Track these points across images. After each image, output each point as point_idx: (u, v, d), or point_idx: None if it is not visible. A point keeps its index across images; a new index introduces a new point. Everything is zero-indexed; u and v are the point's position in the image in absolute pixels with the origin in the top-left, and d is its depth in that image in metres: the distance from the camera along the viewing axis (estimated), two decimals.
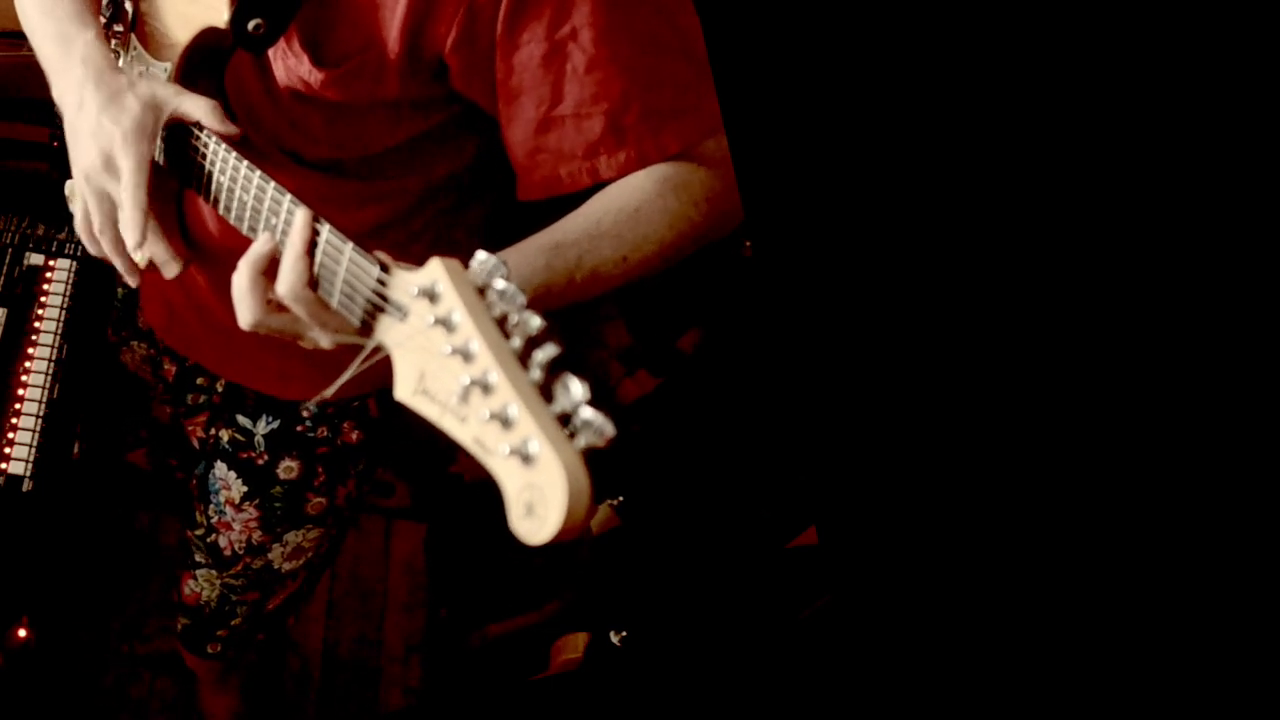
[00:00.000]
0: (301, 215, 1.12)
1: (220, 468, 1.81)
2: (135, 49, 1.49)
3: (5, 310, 1.92)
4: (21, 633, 1.97)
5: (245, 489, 1.80)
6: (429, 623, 2.81)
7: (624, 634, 2.40)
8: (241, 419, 1.76)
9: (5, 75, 2.09)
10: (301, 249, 1.11)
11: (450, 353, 0.90)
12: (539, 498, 0.84)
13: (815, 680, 2.20)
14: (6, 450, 1.78)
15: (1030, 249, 2.23)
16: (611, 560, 2.62)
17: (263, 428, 1.75)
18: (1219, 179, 2.00)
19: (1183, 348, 1.98)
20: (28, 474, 1.77)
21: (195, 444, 1.88)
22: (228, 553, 1.88)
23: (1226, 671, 1.81)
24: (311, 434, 1.74)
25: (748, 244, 2.77)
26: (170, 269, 1.36)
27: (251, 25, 1.31)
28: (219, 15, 1.34)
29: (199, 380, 1.82)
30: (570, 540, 0.85)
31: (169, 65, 1.41)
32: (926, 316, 2.39)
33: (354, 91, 1.38)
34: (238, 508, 1.82)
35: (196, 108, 1.31)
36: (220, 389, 1.79)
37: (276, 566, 1.90)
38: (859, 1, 2.58)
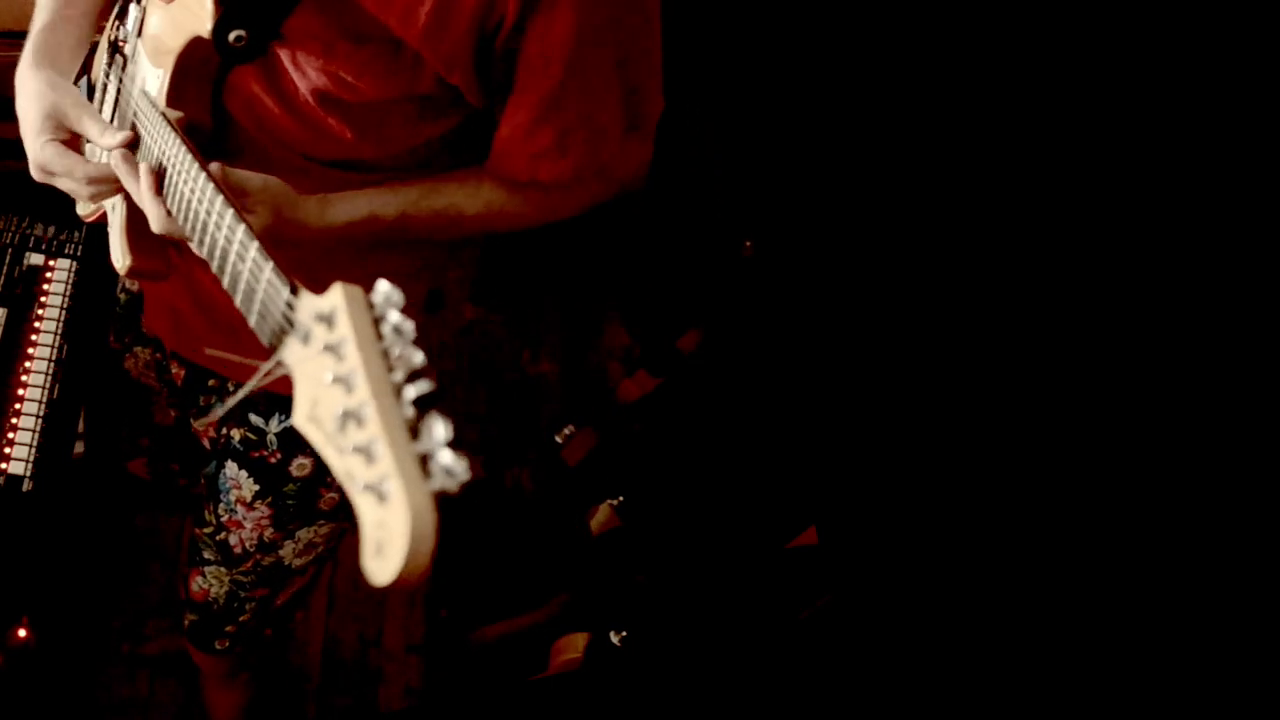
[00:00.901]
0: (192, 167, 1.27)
1: (231, 467, 1.81)
2: (137, 53, 1.50)
3: (5, 310, 1.92)
4: (21, 633, 1.96)
5: (257, 487, 1.80)
6: (429, 623, 2.81)
7: (624, 634, 2.40)
8: (254, 418, 1.76)
9: (5, 75, 2.08)
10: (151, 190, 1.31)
11: (332, 381, 0.90)
12: (387, 537, 0.82)
13: (815, 680, 2.20)
14: (6, 450, 1.78)
15: (1029, 252, 2.23)
16: (611, 560, 2.62)
17: (275, 426, 1.75)
18: (1219, 179, 2.00)
19: (1181, 348, 1.98)
20: (28, 474, 1.77)
21: (206, 444, 1.88)
22: (238, 550, 1.88)
23: (1226, 670, 1.80)
24: None
25: (748, 244, 2.77)
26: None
27: (233, 37, 1.33)
28: (205, 25, 1.34)
29: (210, 382, 1.82)
30: (412, 586, 0.84)
31: (163, 72, 1.42)
32: (926, 319, 2.39)
33: (390, 85, 1.39)
34: (249, 506, 1.82)
35: (89, 127, 1.44)
36: (232, 389, 1.79)
37: (287, 563, 1.90)
38: (859, 5, 2.59)
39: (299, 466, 1.77)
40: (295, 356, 0.97)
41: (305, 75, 1.41)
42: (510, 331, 3.29)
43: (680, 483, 2.65)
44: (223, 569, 1.92)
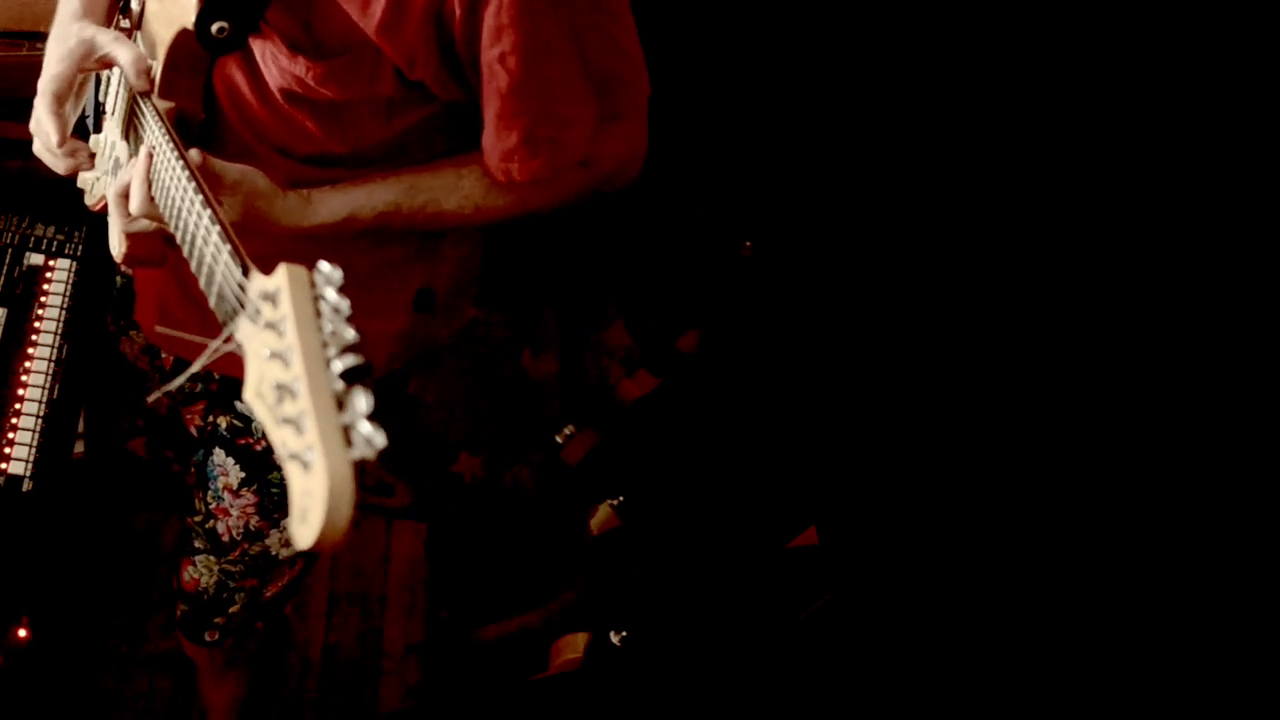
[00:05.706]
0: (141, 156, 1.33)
1: (219, 454, 1.82)
2: (138, 44, 1.51)
3: (5, 310, 1.92)
4: (21, 633, 1.97)
5: (243, 475, 1.81)
6: (429, 623, 2.81)
7: (624, 634, 2.40)
8: (240, 406, 1.77)
9: (5, 75, 2.08)
10: (144, 174, 1.34)
11: (270, 356, 0.94)
12: (310, 504, 0.86)
13: (815, 680, 2.20)
14: (6, 450, 1.78)
15: (1028, 252, 2.23)
16: (611, 560, 2.62)
17: None
18: (1219, 179, 2.00)
19: (1180, 348, 1.98)
20: (28, 474, 1.77)
21: (194, 431, 1.89)
22: (225, 538, 1.89)
23: (1226, 671, 1.81)
24: None
25: (748, 244, 2.77)
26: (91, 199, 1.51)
27: (215, 28, 1.37)
28: (189, 16, 1.37)
29: None
30: (332, 550, 0.88)
31: (156, 64, 1.44)
32: (925, 319, 2.39)
33: (351, 89, 1.41)
34: (235, 493, 1.83)
35: (121, 54, 1.42)
36: (217, 377, 1.80)
37: (274, 553, 1.91)
38: (858, 5, 2.59)
39: None
40: (245, 334, 1.01)
41: (272, 72, 1.43)
42: (510, 331, 3.29)
43: (680, 483, 2.65)
44: (212, 557, 1.93)
